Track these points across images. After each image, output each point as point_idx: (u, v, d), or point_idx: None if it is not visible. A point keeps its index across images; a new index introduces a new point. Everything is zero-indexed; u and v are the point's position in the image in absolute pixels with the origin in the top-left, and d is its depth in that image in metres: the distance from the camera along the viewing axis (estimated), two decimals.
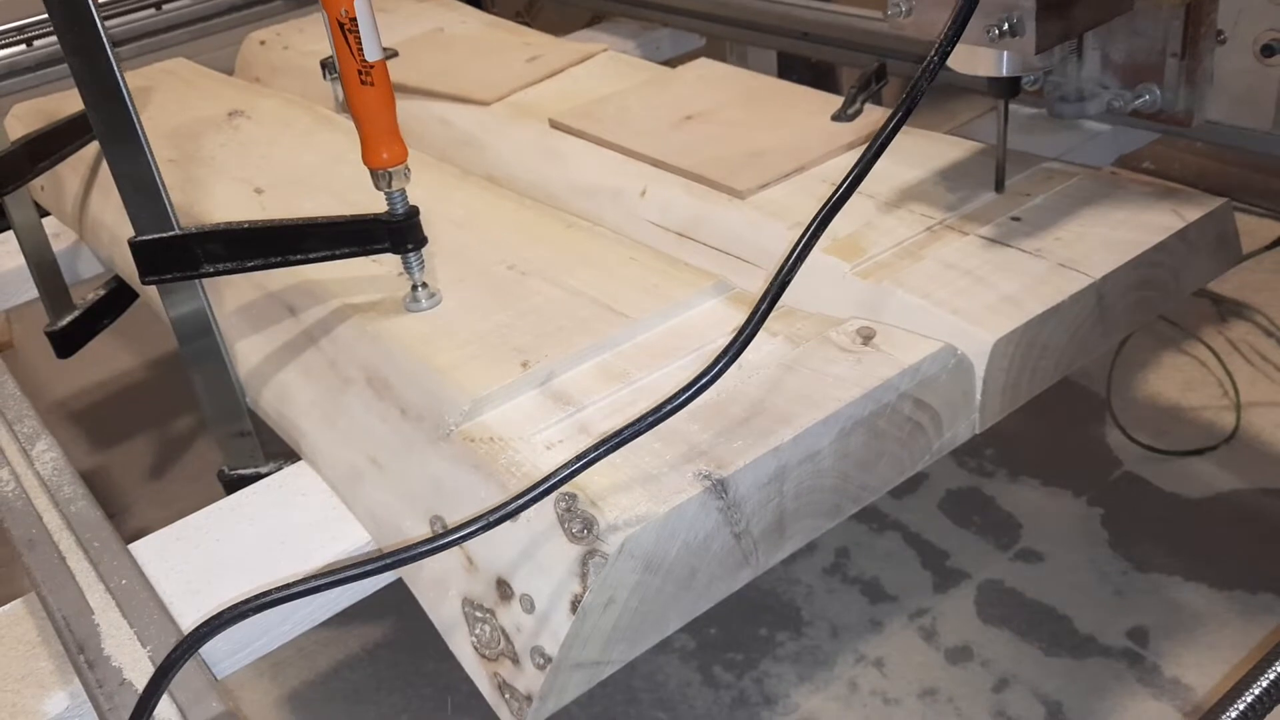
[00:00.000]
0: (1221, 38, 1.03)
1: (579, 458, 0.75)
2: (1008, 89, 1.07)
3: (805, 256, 0.82)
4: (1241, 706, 0.71)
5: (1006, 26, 0.97)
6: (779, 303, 1.02)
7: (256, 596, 0.73)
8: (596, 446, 0.76)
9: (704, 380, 0.78)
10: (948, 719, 1.38)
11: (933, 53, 0.86)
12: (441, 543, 0.74)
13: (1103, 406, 1.81)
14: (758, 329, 0.80)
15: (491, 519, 0.74)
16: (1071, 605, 1.50)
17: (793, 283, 1.05)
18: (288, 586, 0.72)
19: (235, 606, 0.73)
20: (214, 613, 0.89)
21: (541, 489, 0.75)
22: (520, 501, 0.74)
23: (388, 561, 0.73)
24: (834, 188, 1.15)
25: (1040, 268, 1.01)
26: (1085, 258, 1.01)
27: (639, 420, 0.76)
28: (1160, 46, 1.06)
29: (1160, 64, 1.07)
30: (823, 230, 0.83)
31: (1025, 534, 1.62)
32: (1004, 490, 1.71)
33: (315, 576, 0.73)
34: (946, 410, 0.94)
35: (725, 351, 0.79)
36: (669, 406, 0.77)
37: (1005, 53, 1.01)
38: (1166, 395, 1.83)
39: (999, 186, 1.12)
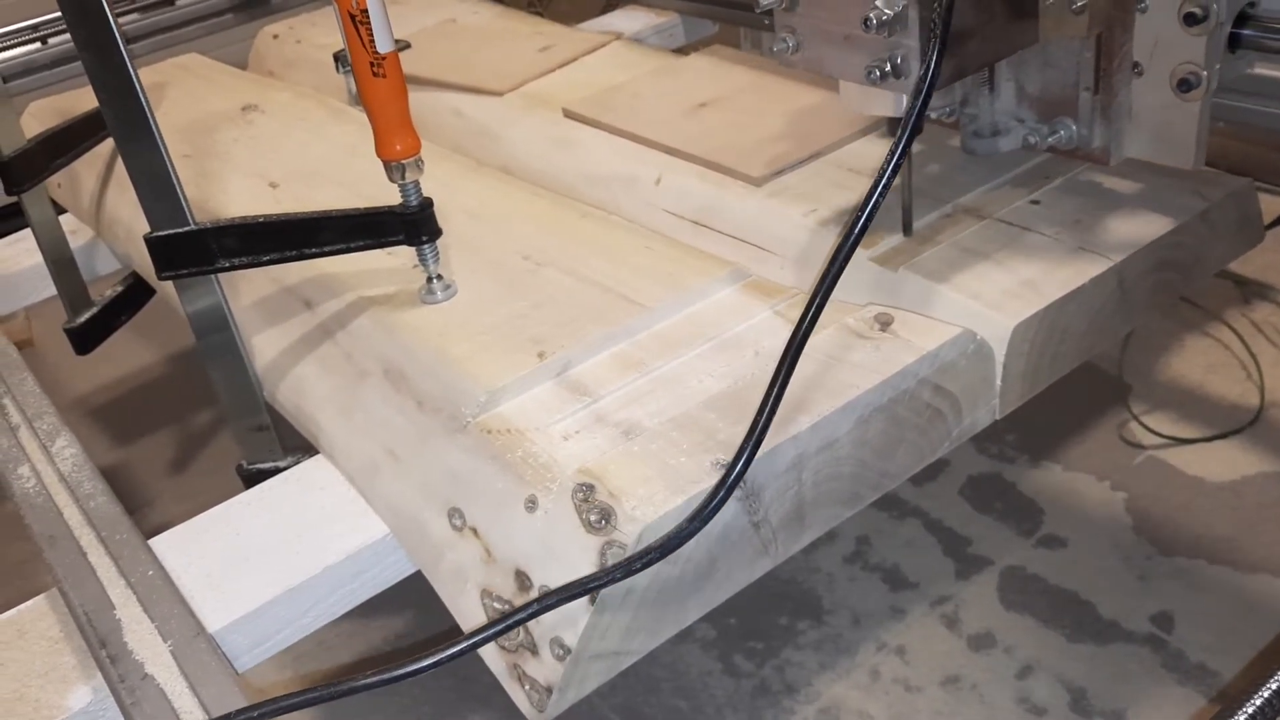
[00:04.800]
0: (1138, 70, 0.94)
1: (675, 532, 0.75)
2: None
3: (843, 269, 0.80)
4: (1262, 697, 0.70)
5: (889, 67, 0.89)
6: (795, 291, 1.02)
7: (317, 689, 0.73)
8: (691, 518, 0.75)
9: (767, 415, 0.77)
10: (971, 706, 1.37)
11: (884, 166, 0.80)
12: (516, 619, 0.74)
13: (1124, 390, 1.80)
14: (803, 346, 0.79)
15: (571, 592, 0.75)
16: (1095, 591, 1.49)
17: (809, 269, 1.05)
18: (352, 679, 0.73)
19: (288, 696, 0.73)
20: (232, 606, 0.90)
21: (640, 560, 0.75)
22: (613, 575, 0.75)
23: (464, 646, 0.74)
24: (848, 174, 1.14)
25: (1059, 251, 1.00)
26: (1105, 240, 1.00)
27: (727, 478, 0.76)
28: (1073, 79, 0.98)
29: (1074, 98, 0.98)
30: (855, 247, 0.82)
31: (1047, 520, 1.61)
32: (1025, 476, 1.70)
33: (392, 667, 0.73)
34: (966, 396, 0.93)
35: (773, 385, 0.78)
36: (747, 451, 0.76)
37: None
38: (1190, 378, 1.82)
39: (906, 230, 1.04)
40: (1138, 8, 0.91)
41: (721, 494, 0.75)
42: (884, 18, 0.87)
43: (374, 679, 0.73)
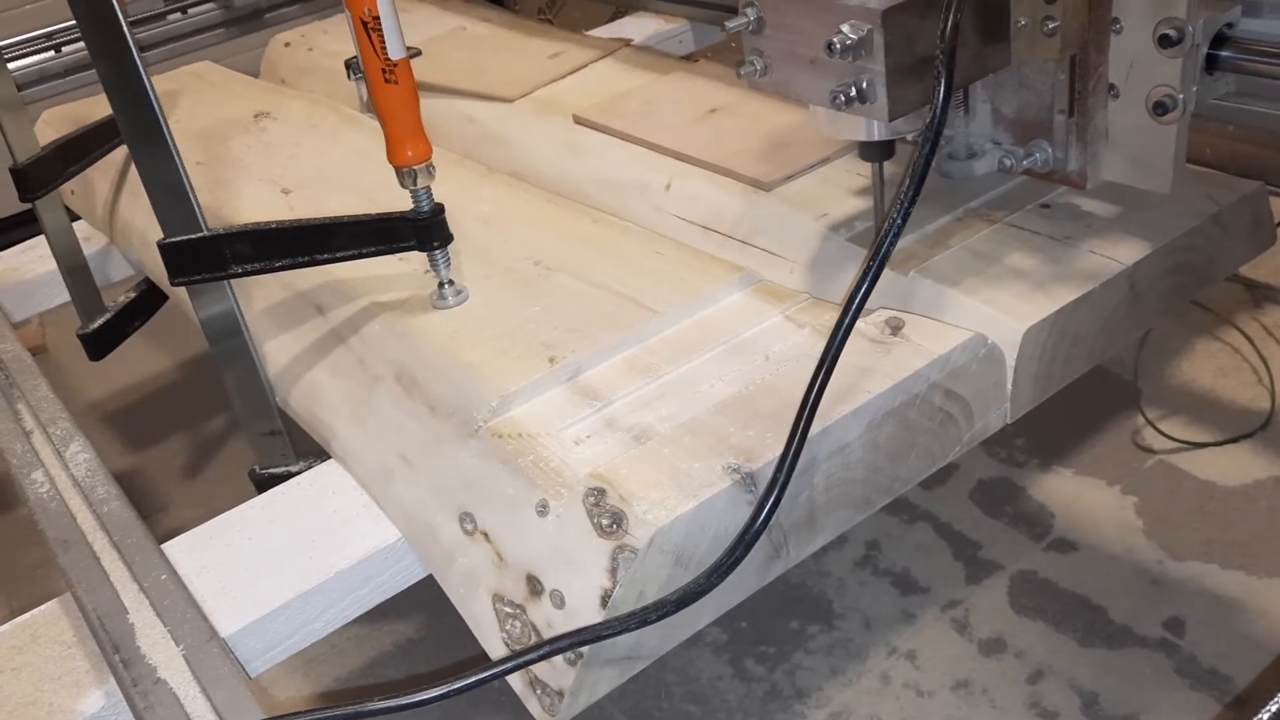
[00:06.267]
0: (1114, 92, 0.91)
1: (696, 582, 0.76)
2: (879, 153, 0.96)
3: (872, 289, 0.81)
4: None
5: (854, 92, 0.88)
6: (804, 294, 1.02)
7: (326, 710, 0.74)
8: (710, 573, 0.76)
9: (789, 466, 0.77)
10: (982, 711, 1.37)
11: (897, 211, 0.80)
12: (526, 659, 0.76)
13: (1135, 394, 1.79)
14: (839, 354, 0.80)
15: (583, 638, 0.75)
16: (1106, 595, 1.48)
17: (819, 273, 1.06)
18: (360, 704, 0.74)
19: (297, 715, 0.75)
20: (244, 610, 0.90)
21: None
22: (626, 624, 0.75)
23: (470, 682, 0.74)
24: (858, 178, 1.14)
25: (1071, 255, 1.00)
26: (1117, 244, 1.00)
27: (750, 528, 0.77)
28: (1048, 101, 0.95)
29: (1050, 120, 0.96)
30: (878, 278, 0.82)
31: (1058, 524, 1.61)
32: (1036, 480, 1.69)
33: (400, 694, 0.74)
34: (977, 400, 0.93)
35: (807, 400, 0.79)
36: (769, 506, 0.77)
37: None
38: (1200, 382, 1.81)
39: None
40: (1112, 29, 0.89)
41: (739, 550, 0.76)
42: (848, 42, 0.85)
43: (380, 705, 0.74)
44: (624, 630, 0.74)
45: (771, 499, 0.77)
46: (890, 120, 0.88)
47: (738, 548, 0.77)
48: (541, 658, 0.76)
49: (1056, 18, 0.88)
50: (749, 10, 0.93)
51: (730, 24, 0.94)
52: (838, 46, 0.86)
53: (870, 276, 0.79)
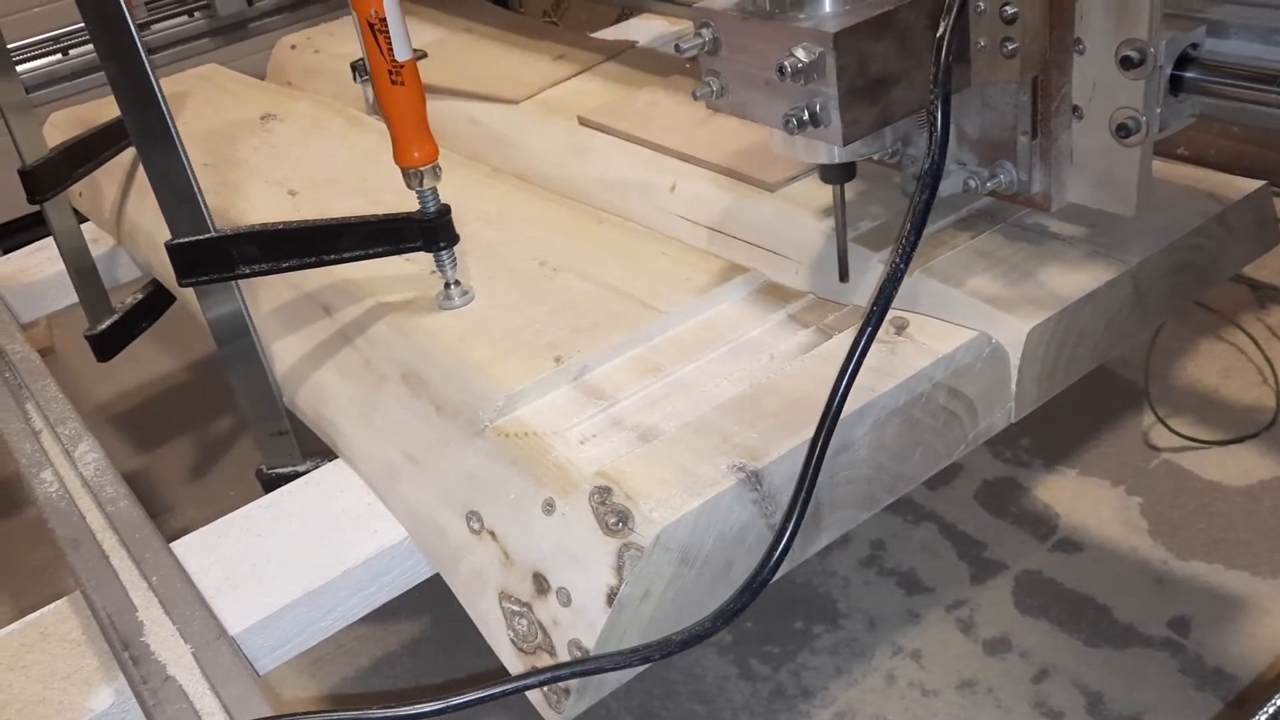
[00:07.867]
0: (1078, 113, 0.89)
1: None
2: (839, 175, 0.94)
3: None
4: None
5: (807, 115, 0.86)
6: (808, 294, 1.02)
7: (329, 712, 0.76)
8: (715, 618, 0.78)
9: (810, 482, 0.79)
10: (987, 710, 1.37)
11: (896, 256, 0.80)
12: (551, 676, 0.77)
13: (1140, 394, 1.79)
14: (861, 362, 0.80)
15: (585, 669, 0.77)
16: (1111, 595, 1.48)
17: (823, 273, 1.06)
18: (360, 711, 0.75)
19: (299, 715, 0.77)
20: (253, 609, 0.91)
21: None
22: (630, 660, 0.77)
23: (496, 692, 0.76)
24: (860, 179, 1.14)
25: (1075, 254, 1.00)
26: (1121, 243, 1.00)
27: (769, 559, 0.78)
28: (1012, 122, 0.93)
29: (1014, 141, 0.94)
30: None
31: (1063, 524, 1.61)
32: (1040, 480, 1.69)
33: (401, 703, 0.75)
34: (982, 399, 0.93)
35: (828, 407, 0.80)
36: (789, 530, 0.78)
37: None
38: (1205, 382, 1.81)
39: (843, 276, 1.00)
40: (1075, 50, 0.87)
41: (746, 597, 0.78)
42: (799, 65, 0.84)
43: (380, 714, 0.75)
44: (626, 665, 0.76)
45: (779, 549, 0.77)
46: (845, 144, 0.87)
47: (745, 593, 0.77)
48: (542, 683, 0.77)
49: (1016, 39, 0.87)
50: (704, 31, 0.91)
51: (685, 44, 0.92)
52: (789, 69, 0.84)
53: (874, 320, 0.80)
